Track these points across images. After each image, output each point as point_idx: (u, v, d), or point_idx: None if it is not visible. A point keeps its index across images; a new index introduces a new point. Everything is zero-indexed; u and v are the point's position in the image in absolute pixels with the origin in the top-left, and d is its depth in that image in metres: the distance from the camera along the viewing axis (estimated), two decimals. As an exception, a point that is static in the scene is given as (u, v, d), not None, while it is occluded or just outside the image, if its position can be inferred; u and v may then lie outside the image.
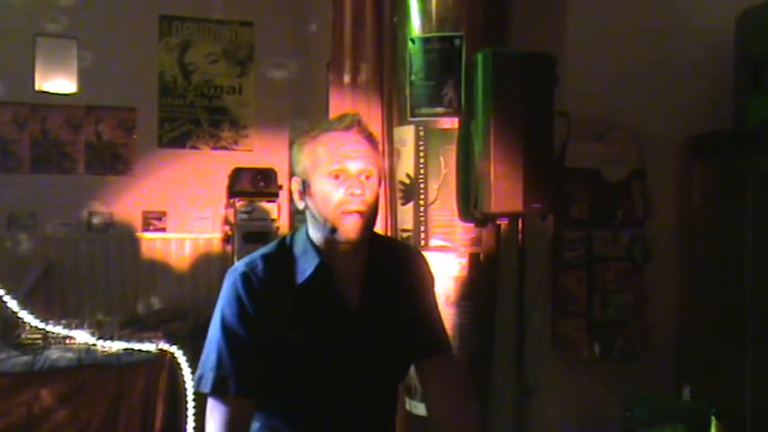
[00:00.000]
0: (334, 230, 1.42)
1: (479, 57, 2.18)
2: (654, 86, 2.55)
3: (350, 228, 1.41)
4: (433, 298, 1.65)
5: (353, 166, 1.41)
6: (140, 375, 2.99)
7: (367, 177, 1.42)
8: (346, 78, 2.73)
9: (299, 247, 1.49)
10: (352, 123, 1.44)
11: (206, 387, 1.41)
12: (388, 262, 1.52)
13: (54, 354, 2.99)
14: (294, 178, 1.48)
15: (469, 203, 2.28)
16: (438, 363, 1.59)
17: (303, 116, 4.43)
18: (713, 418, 2.12)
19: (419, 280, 1.60)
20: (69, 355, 2.99)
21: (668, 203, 2.60)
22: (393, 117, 2.61)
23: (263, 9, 4.65)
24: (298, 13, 4.54)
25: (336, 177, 1.41)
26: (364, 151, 1.43)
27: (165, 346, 3.04)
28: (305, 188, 1.45)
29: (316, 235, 1.47)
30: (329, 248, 1.46)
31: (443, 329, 1.64)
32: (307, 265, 1.45)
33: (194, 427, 2.93)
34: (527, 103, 2.15)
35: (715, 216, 2.55)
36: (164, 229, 4.49)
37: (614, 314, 2.49)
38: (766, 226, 2.32)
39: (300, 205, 1.48)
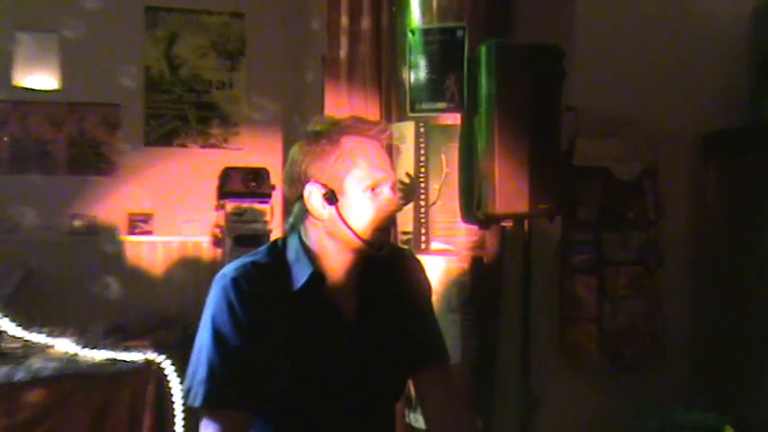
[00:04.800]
0: (367, 243, 1.41)
1: (483, 49, 2.14)
2: (666, 80, 2.53)
3: (384, 241, 1.44)
4: (431, 307, 1.63)
5: (389, 180, 1.43)
6: (126, 386, 2.92)
7: (392, 189, 1.44)
8: (343, 72, 2.71)
9: (291, 253, 1.45)
10: (384, 130, 1.45)
11: (197, 401, 1.36)
12: (384, 269, 1.50)
13: (35, 363, 2.89)
14: (313, 183, 1.41)
15: (472, 204, 2.24)
16: (436, 376, 1.57)
17: (297, 113, 4.40)
18: (728, 428, 2.11)
19: (416, 288, 1.59)
20: (51, 364, 2.90)
21: (681, 203, 2.59)
22: (392, 113, 2.59)
23: (255, -1, 4.62)
24: (291, 3, 4.51)
25: (373, 190, 1.41)
26: (390, 162, 1.46)
27: (152, 355, 2.99)
28: (332, 196, 1.40)
29: (314, 243, 1.44)
30: (325, 257, 1.43)
31: (441, 341, 1.62)
32: (300, 274, 1.42)
33: (183, 440, 2.87)
34: (533, 97, 2.11)
35: (730, 216, 2.54)
36: (150, 232, 4.46)
37: (625, 321, 2.48)
38: (784, 226, 2.32)
39: (324, 214, 1.41)
